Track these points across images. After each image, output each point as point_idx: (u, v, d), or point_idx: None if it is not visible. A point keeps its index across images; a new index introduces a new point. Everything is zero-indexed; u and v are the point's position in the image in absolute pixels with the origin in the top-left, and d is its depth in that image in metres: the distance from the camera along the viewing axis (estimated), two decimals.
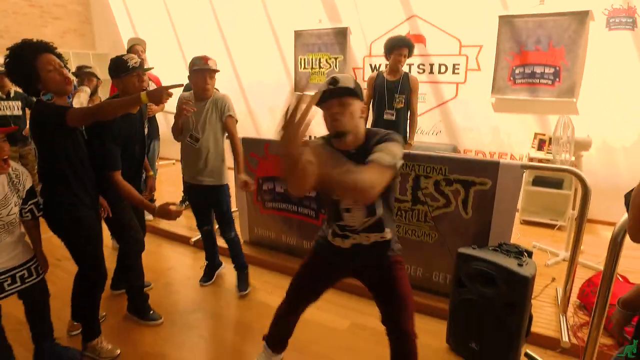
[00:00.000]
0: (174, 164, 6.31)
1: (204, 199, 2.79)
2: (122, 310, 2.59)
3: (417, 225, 2.69)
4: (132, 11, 6.78)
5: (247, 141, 3.18)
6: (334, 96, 1.54)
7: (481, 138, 4.46)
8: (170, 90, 1.98)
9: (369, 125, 3.67)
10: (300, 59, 5.32)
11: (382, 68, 4.80)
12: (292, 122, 1.07)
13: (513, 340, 1.99)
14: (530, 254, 2.16)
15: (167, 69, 6.12)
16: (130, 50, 3.73)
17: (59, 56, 1.90)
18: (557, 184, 3.88)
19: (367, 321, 2.55)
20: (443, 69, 4.49)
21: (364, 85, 4.74)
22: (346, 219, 1.68)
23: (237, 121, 2.68)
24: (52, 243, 2.08)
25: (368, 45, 4.87)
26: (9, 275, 1.85)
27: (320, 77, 5.21)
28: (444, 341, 2.33)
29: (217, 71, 2.54)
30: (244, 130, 3.65)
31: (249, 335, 2.43)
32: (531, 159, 3.96)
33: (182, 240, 3.69)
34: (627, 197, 1.28)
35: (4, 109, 4.25)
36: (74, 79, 3.87)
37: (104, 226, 2.25)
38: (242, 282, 2.87)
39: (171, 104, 4.72)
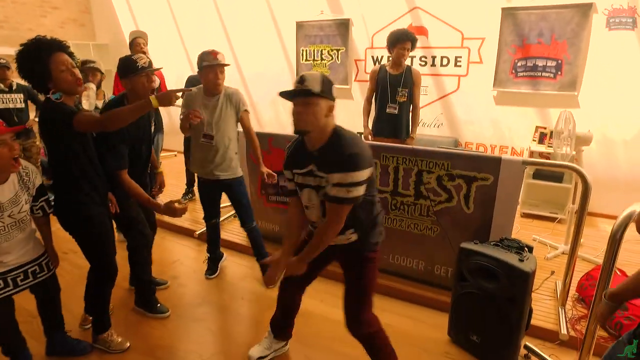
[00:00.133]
0: (175, 155, 6.32)
1: (218, 193, 2.82)
2: (130, 304, 2.64)
3: (419, 219, 2.73)
4: (132, 0, 6.72)
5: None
6: (299, 95, 1.60)
7: (482, 131, 4.48)
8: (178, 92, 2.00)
9: (371, 119, 3.68)
10: (302, 51, 5.30)
11: (384, 60, 4.80)
12: None
13: (513, 333, 2.04)
14: (530, 249, 2.20)
15: (168, 60, 6.10)
16: (132, 43, 3.72)
17: (71, 55, 1.92)
18: (558, 178, 3.91)
19: None
20: (445, 61, 4.49)
21: (367, 77, 4.77)
22: (308, 215, 1.83)
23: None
24: (58, 236, 2.11)
25: (370, 37, 4.85)
26: (21, 271, 1.90)
27: (321, 69, 5.20)
28: (445, 333, 2.39)
29: (227, 65, 2.53)
30: None
31: (255, 328, 2.49)
32: (532, 153, 3.98)
33: (187, 233, 3.73)
34: None
35: (6, 102, 4.25)
36: None
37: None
38: None
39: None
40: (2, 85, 4.21)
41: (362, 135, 3.73)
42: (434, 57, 4.53)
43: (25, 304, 2.10)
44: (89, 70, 3.47)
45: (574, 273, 2.47)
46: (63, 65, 1.84)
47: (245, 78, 5.82)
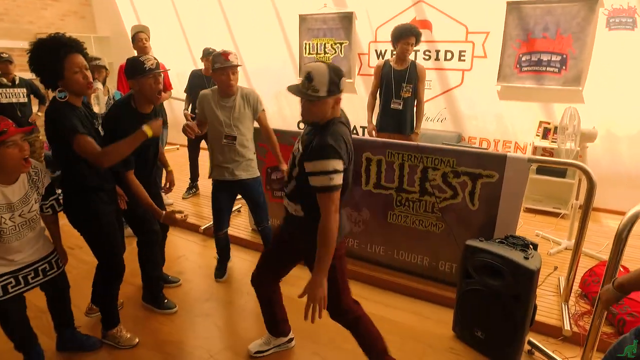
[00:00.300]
0: (178, 149, 6.33)
1: (234, 196, 2.82)
2: (138, 300, 2.67)
3: (424, 215, 2.74)
4: None
5: (256, 130, 3.19)
6: (306, 96, 1.60)
7: (486, 126, 4.48)
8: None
9: (375, 113, 3.68)
10: (305, 44, 5.28)
11: (388, 54, 4.78)
12: None
13: (518, 329, 2.06)
14: (535, 247, 2.22)
15: (170, 54, 6.08)
16: (134, 38, 3.70)
17: (86, 56, 1.92)
18: (561, 173, 3.92)
19: (377, 309, 2.61)
20: (449, 55, 4.47)
21: (370, 71, 4.76)
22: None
23: None
24: (64, 231, 2.12)
25: (374, 31, 4.82)
26: (32, 269, 1.92)
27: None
28: (449, 329, 2.42)
29: (239, 65, 2.52)
30: None
31: (261, 324, 2.48)
32: (535, 148, 3.98)
33: (192, 228, 3.75)
34: None
35: (9, 97, 4.25)
36: None
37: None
38: None
39: (179, 91, 4.70)
40: (5, 80, 4.20)
41: (366, 130, 3.73)
42: (437, 52, 4.52)
43: (35, 300, 2.12)
44: (94, 68, 3.46)
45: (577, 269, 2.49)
46: (77, 66, 1.84)
47: (248, 72, 5.80)
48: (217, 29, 5.87)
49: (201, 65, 4.25)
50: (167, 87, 4.19)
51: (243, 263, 3.19)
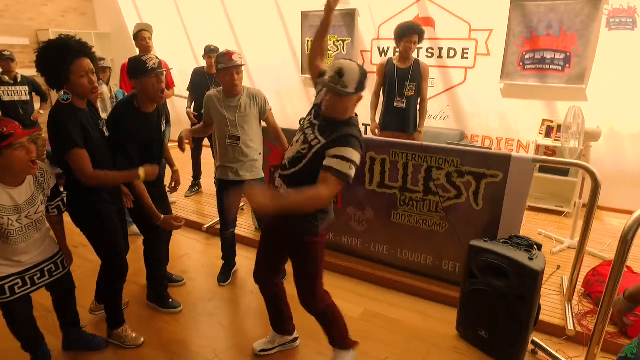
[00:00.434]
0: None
1: (240, 196, 2.81)
2: (142, 299, 2.68)
3: (428, 215, 2.75)
4: None
5: (264, 130, 3.18)
6: (334, 93, 1.65)
7: (489, 124, 4.47)
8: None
9: (379, 112, 3.67)
10: (307, 41, 5.25)
11: (391, 51, 4.76)
12: None
13: (522, 330, 2.07)
14: (539, 247, 2.22)
15: (171, 51, 6.06)
16: (137, 36, 3.68)
17: (94, 60, 1.92)
18: (564, 171, 3.92)
19: (380, 309, 2.64)
20: (452, 53, 4.45)
21: (373, 69, 4.74)
22: (286, 155, 1.87)
23: None
24: (68, 229, 2.13)
25: (376, 28, 4.80)
26: (38, 269, 1.92)
27: (327, 61, 5.15)
28: (453, 328, 2.43)
29: (243, 65, 2.51)
30: None
31: (266, 322, 2.48)
32: (538, 146, 3.98)
33: (195, 226, 3.76)
34: None
35: (12, 94, 4.24)
36: None
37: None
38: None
39: (182, 89, 4.67)
40: (7, 78, 4.20)
41: (369, 129, 3.72)
42: (440, 49, 4.50)
43: (41, 299, 2.13)
44: (99, 69, 3.45)
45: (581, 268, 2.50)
46: (83, 71, 1.84)
47: (250, 69, 5.78)
48: (218, 25, 5.84)
49: (203, 63, 4.23)
50: (170, 85, 4.18)
51: (246, 262, 3.19)
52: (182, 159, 5.21)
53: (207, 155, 4.67)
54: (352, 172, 1.63)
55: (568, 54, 3.91)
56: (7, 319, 1.91)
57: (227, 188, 2.71)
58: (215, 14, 5.86)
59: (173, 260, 3.15)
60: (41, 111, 4.50)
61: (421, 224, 2.79)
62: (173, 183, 2.61)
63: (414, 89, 3.45)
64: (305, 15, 5.17)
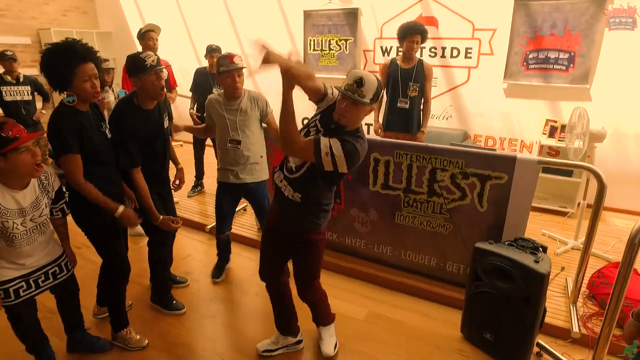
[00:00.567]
0: (182, 145, 6.30)
1: (238, 200, 2.81)
2: (146, 301, 2.67)
3: (432, 216, 2.74)
4: None
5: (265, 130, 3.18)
6: (352, 99, 1.66)
7: (492, 124, 4.45)
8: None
9: (382, 113, 3.66)
10: (310, 40, 5.23)
11: (394, 51, 4.74)
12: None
13: (527, 332, 2.07)
14: (545, 249, 2.21)
15: (173, 50, 6.03)
16: (145, 35, 3.67)
17: (98, 64, 1.91)
18: (568, 172, 3.90)
19: (384, 310, 2.64)
20: (455, 52, 4.43)
21: (375, 68, 4.72)
22: (291, 160, 1.90)
23: None
24: (70, 230, 2.12)
25: (379, 27, 4.78)
26: (42, 272, 1.92)
27: (329, 60, 5.15)
28: (457, 330, 2.42)
29: (244, 67, 2.51)
30: None
31: (270, 324, 2.50)
32: (542, 147, 3.96)
33: (198, 227, 3.75)
34: None
35: (14, 94, 4.24)
36: None
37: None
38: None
39: (184, 89, 4.66)
40: (9, 78, 4.20)
41: (372, 129, 3.71)
42: (444, 48, 4.48)
43: (45, 300, 2.13)
44: (104, 70, 3.44)
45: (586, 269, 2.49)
46: (87, 75, 1.84)
47: (251, 68, 5.75)
48: (220, 25, 5.82)
49: (205, 63, 4.22)
50: (172, 84, 4.17)
51: (249, 262, 3.19)
52: (183, 159, 5.21)
53: (210, 155, 4.66)
54: (326, 155, 1.67)
55: (572, 53, 3.89)
56: (11, 321, 1.92)
57: (227, 191, 2.71)
58: (217, 13, 5.84)
59: (176, 262, 3.14)
60: (43, 111, 4.50)
61: (425, 226, 2.78)
62: (177, 181, 2.61)
63: (417, 89, 3.44)
64: (307, 15, 5.15)
